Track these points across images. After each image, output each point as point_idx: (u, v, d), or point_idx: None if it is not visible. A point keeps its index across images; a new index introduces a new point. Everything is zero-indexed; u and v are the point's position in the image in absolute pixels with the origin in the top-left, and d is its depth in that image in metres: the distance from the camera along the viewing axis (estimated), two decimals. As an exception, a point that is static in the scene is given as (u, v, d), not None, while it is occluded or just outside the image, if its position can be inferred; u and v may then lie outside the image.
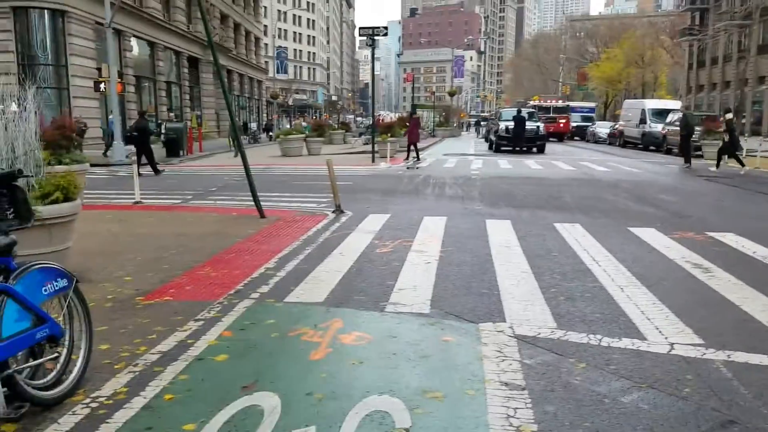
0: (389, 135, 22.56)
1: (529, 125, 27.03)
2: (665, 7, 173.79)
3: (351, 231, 7.87)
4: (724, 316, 4.47)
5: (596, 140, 42.31)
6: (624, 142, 34.58)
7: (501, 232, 7.70)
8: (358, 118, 66.29)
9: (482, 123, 52.94)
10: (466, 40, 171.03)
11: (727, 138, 17.60)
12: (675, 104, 34.48)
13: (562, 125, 42.95)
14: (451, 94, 63.26)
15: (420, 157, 21.22)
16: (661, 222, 8.45)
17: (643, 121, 31.77)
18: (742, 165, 17.09)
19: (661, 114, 31.25)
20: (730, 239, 7.21)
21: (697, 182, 14.62)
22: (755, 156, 20.69)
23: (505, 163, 20.30)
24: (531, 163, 20.14)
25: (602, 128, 43.78)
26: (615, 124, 41.41)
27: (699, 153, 24.92)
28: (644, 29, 72.89)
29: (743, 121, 44.48)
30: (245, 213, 9.22)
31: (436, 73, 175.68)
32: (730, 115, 18.31)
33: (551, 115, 42.32)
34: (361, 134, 39.47)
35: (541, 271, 5.72)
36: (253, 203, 8.92)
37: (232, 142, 25.11)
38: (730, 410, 2.99)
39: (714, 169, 17.42)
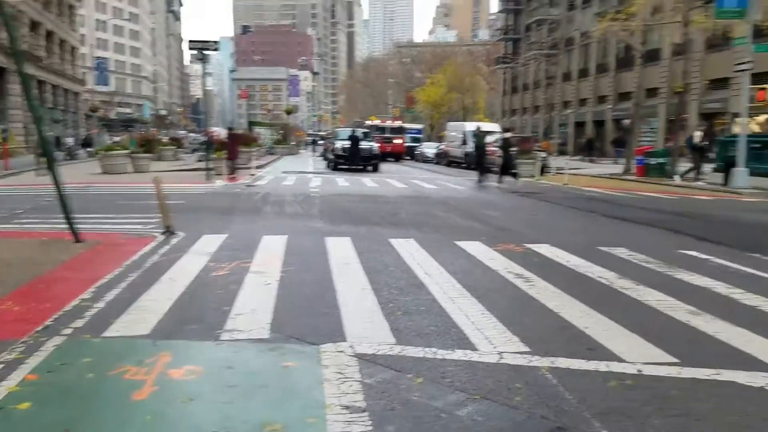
0: (225, 152, 21.83)
1: (364, 145, 27.76)
2: (481, 37, 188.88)
3: (183, 253, 7.40)
4: (546, 323, 4.77)
5: (424, 160, 44.42)
6: (449, 161, 36.65)
7: (341, 249, 7.68)
8: (191, 134, 63.53)
9: (319, 142, 53.32)
10: (299, 60, 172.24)
11: (502, 155, 19.35)
12: (493, 126, 37.21)
13: (398, 145, 43.71)
14: (288, 112, 63.10)
15: (235, 176, 20.65)
16: (486, 236, 8.94)
17: (464, 142, 33.91)
18: (516, 177, 18.78)
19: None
20: (546, 250, 7.80)
21: (514, 198, 15.79)
22: (563, 173, 22.79)
23: (342, 181, 20.52)
24: (367, 181, 20.56)
25: (429, 149, 46.10)
26: (440, 145, 43.88)
27: (514, 171, 27.11)
28: (464, 57, 78.41)
29: (556, 141, 49.26)
30: (58, 237, 8.32)
31: (272, 91, 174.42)
32: (508, 134, 20.61)
33: (387, 135, 42.43)
34: (194, 150, 37.89)
35: (379, 287, 5.76)
36: (67, 226, 8.08)
37: (39, 158, 22.78)
38: (558, 417, 3.15)
39: (498, 184, 19.22)
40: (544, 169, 25.88)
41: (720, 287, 5.84)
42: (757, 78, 27.42)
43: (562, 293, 5.58)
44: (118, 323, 4.70)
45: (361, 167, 27.70)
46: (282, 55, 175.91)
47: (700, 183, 20.67)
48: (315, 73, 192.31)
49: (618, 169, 28.56)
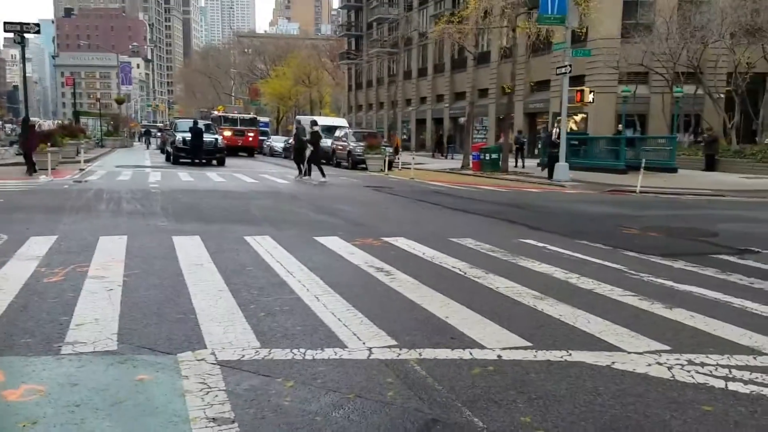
0: (49, 144, 19.83)
1: (208, 137, 26.66)
2: (324, 31, 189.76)
3: (7, 259, 6.58)
4: (410, 315, 4.84)
5: (272, 153, 43.80)
6: (297, 155, 36.54)
7: (191, 249, 7.27)
8: (7, 125, 57.01)
9: (156, 133, 50.35)
10: (131, 47, 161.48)
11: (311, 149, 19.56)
12: (341, 121, 37.58)
13: (251, 138, 40.09)
14: (119, 102, 58.87)
15: (36, 169, 18.35)
16: (342, 230, 8.96)
17: (314, 135, 33.93)
18: (323, 175, 18.87)
19: (329, 130, 33.76)
20: (402, 243, 7.97)
21: (366, 192, 16.04)
22: (409, 168, 23.55)
23: (186, 175, 19.55)
24: (213, 176, 19.80)
25: (278, 142, 45.56)
26: (289, 139, 43.45)
27: (363, 166, 27.62)
28: (308, 51, 78.25)
29: (400, 137, 50.74)
30: None
31: (100, 79, 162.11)
32: (316, 128, 21.30)
33: (239, 127, 39.56)
34: (12, 143, 34.14)
35: (238, 288, 5.51)
36: None
37: None
38: (431, 408, 3.19)
39: (301, 176, 19.52)
40: (391, 164, 26.59)
41: (558, 272, 6.32)
42: (574, 80, 30.32)
43: (422, 285, 5.71)
44: (-71, 341, 4.06)
45: (205, 161, 26.64)
46: (111, 40, 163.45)
47: (530, 176, 22.35)
48: (148, 61, 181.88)
49: (456, 164, 30.13)
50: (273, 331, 4.39)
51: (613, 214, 12.02)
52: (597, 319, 4.68)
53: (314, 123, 27.37)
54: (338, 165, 30.59)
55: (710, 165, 25.13)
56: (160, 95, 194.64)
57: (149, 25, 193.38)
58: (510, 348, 4.05)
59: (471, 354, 3.93)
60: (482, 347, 4.05)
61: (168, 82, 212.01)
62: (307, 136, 20.41)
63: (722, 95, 29.26)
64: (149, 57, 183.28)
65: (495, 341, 4.16)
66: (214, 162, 26.78)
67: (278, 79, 63.16)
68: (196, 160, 26.02)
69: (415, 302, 5.13)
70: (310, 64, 64.61)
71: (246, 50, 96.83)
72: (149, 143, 45.60)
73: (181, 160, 26.23)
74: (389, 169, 26.00)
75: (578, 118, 33.09)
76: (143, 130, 57.72)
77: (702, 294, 5.52)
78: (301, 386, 3.46)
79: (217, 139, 27.09)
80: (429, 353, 3.94)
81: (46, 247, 7.21)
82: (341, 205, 12.61)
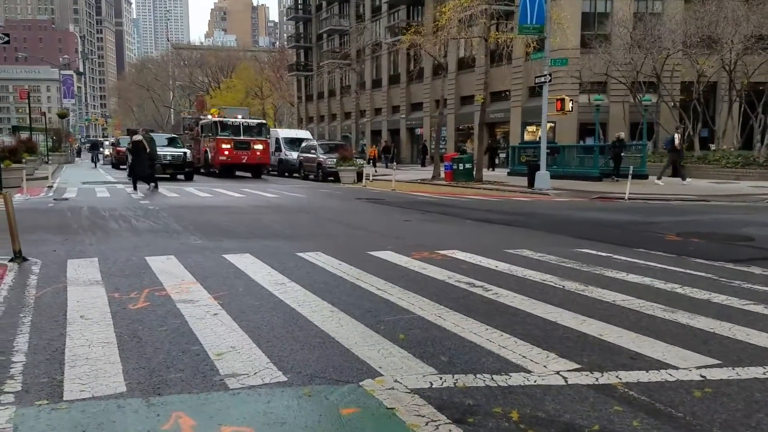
0: (12, 161, 18.64)
1: (175, 151, 25.77)
2: (262, 43, 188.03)
3: (63, 284, 6.01)
4: (559, 333, 4.62)
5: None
6: (259, 169, 35.74)
7: (254, 267, 6.85)
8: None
9: (105, 149, 48.35)
10: (62, 59, 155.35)
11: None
12: (305, 134, 37.08)
13: (259, 153, 28.80)
14: (62, 116, 56.35)
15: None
16: (390, 244, 8.61)
17: (278, 149, 33.32)
18: (135, 188, 18.39)
19: (293, 142, 33.32)
20: (462, 255, 7.72)
21: (364, 205, 15.75)
22: (384, 179, 23.34)
23: (167, 191, 18.72)
24: (195, 191, 19.07)
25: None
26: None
27: (332, 178, 27.33)
28: (250, 63, 77.12)
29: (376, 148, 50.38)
30: None
31: (33, 93, 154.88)
32: (137, 137, 20.62)
33: (243, 137, 28.41)
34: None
35: (347, 307, 5.18)
36: None
37: None
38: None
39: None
40: (360, 176, 26.34)
41: (656, 282, 6.22)
42: (535, 90, 30.97)
43: (535, 300, 5.49)
44: (70, 382, 3.58)
45: (168, 176, 25.69)
46: (40, 53, 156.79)
47: (507, 185, 22.51)
48: (80, 74, 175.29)
49: (426, 174, 30.17)
50: (430, 353, 4.09)
51: (629, 221, 12.14)
52: (750, 330, 4.58)
53: (133, 132, 23.83)
54: (306, 177, 30.16)
55: (675, 171, 26.02)
56: (93, 109, 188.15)
57: (80, 37, 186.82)
58: (704, 367, 3.82)
59: (671, 375, 3.68)
60: (674, 367, 3.82)
61: (101, 96, 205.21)
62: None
63: (677, 104, 30.40)
64: (81, 70, 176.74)
65: (680, 359, 3.95)
66: (182, 177, 25.87)
67: (229, 92, 61.94)
68: (163, 175, 25.05)
69: (553, 321, 4.91)
70: (263, 75, 63.62)
71: (183, 62, 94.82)
72: (97, 159, 43.36)
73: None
74: (359, 180, 25.76)
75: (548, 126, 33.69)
76: (89, 144, 55.19)
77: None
78: (530, 418, 3.19)
79: (185, 153, 26.18)
80: (625, 376, 3.69)
81: (96, 271, 6.64)
82: (356, 219, 12.29)
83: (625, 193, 17.57)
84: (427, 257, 7.56)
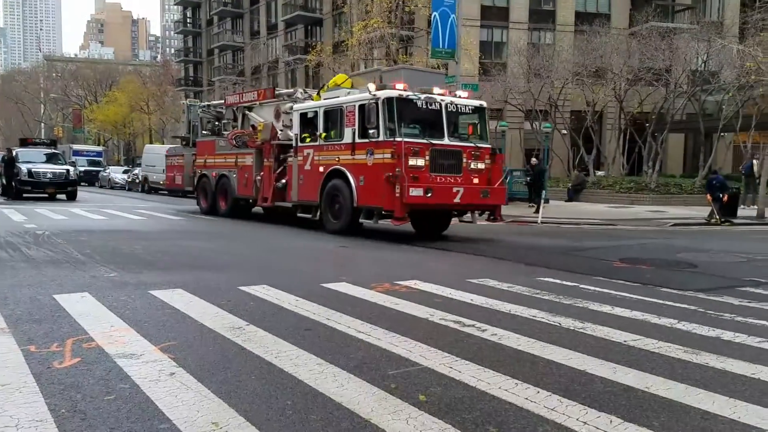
0: None
1: (56, 168, 23.33)
2: (142, 57, 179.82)
3: (-46, 336, 4.66)
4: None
5: (112, 186, 39.87)
6: (150, 188, 33.48)
7: (197, 307, 5.73)
8: None
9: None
10: None
11: None
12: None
13: (479, 180, 13.07)
14: None
15: None
16: (341, 273, 7.79)
17: (172, 166, 31.30)
18: None
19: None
20: (423, 287, 7.04)
21: (258, 227, 14.73)
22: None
23: (48, 212, 16.65)
24: (82, 212, 17.09)
25: (118, 173, 41.66)
26: (133, 169, 39.90)
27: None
28: (132, 76, 72.94)
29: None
30: None
31: None
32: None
33: (449, 145, 12.29)
34: None
35: (337, 358, 4.29)
36: None
37: None
38: None
39: None
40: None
41: (644, 315, 5.84)
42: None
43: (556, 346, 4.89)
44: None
45: (46, 196, 23.22)
46: None
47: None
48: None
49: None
50: (472, 422, 3.31)
51: (563, 246, 12.00)
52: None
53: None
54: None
55: (571, 196, 26.99)
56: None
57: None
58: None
59: None
60: (759, 428, 3.25)
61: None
62: None
63: (570, 131, 31.76)
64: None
65: (759, 419, 3.34)
66: (64, 196, 23.43)
67: (110, 105, 58.06)
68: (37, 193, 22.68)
69: (581, 370, 4.28)
70: (148, 90, 60.23)
71: (57, 74, 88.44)
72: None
73: (25, 195, 22.62)
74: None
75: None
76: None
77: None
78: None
79: (68, 171, 23.73)
80: None
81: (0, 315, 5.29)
82: (286, 242, 11.27)
83: (537, 217, 17.73)
84: (390, 289, 6.78)
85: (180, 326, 5.14)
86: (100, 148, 50.65)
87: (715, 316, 5.90)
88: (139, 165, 37.88)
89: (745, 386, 3.94)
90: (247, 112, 16.50)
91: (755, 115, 26.79)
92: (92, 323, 5.08)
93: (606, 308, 6.13)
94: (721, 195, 17.87)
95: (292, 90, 16.68)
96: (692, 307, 6.26)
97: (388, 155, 11.20)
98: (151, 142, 49.80)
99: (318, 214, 13.18)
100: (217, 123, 18.49)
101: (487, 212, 12.92)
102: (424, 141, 11.49)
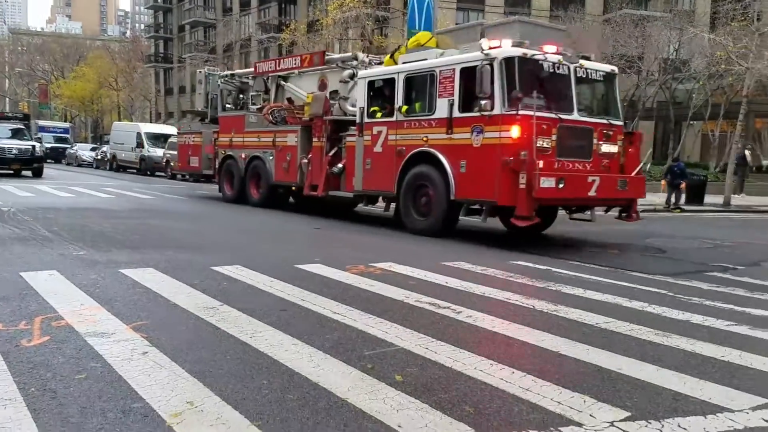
0: None
1: (22, 144, 22.72)
2: (111, 32, 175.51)
3: None
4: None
5: (79, 164, 39.04)
6: (118, 166, 32.90)
7: (169, 286, 5.65)
8: None
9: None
10: None
11: None
12: (171, 129, 34.50)
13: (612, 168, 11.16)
14: None
15: None
16: (316, 255, 7.74)
17: (140, 145, 30.80)
18: None
19: (158, 138, 30.94)
20: (398, 269, 7.04)
21: (233, 208, 14.58)
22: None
23: (14, 189, 16.23)
24: (49, 189, 16.70)
25: (86, 150, 40.82)
26: (101, 147, 39.14)
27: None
28: (99, 51, 71.07)
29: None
30: None
31: None
32: None
33: (580, 121, 9.94)
34: None
35: (313, 339, 4.27)
36: None
37: None
38: None
39: None
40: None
41: (621, 300, 5.93)
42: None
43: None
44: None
45: (11, 172, 22.63)
46: None
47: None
48: None
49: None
50: (447, 401, 3.33)
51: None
52: (751, 356, 4.29)
53: None
54: (173, 177, 28.14)
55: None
56: None
57: None
58: (758, 408, 3.34)
59: (734, 421, 3.14)
60: (729, 410, 3.28)
61: None
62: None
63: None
64: None
65: (728, 399, 3.38)
66: (28, 173, 22.87)
67: (78, 81, 56.61)
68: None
69: (555, 351, 4.33)
70: (118, 66, 58.85)
71: (21, 47, 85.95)
72: None
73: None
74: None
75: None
76: None
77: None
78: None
79: (34, 147, 23.12)
80: (686, 424, 3.10)
81: (-44, 292, 5.14)
82: (259, 225, 11.15)
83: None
84: (364, 271, 6.76)
85: (152, 305, 5.06)
86: (67, 125, 49.45)
87: (685, 300, 6.02)
88: (107, 143, 37.15)
89: (715, 368, 4.02)
90: (282, 82, 14.60)
91: (723, 104, 27.27)
92: (61, 301, 4.98)
93: (578, 291, 6.21)
94: (679, 182, 18.15)
95: (349, 54, 13.98)
96: (662, 291, 6.37)
97: (509, 133, 8.74)
98: (119, 120, 48.85)
99: (390, 207, 11.28)
100: (241, 96, 16.35)
101: (616, 207, 10.32)
102: (553, 116, 9.00)
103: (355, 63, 12.74)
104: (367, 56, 13.26)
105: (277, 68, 14.64)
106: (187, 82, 61.43)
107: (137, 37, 78.44)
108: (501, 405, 3.30)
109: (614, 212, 10.52)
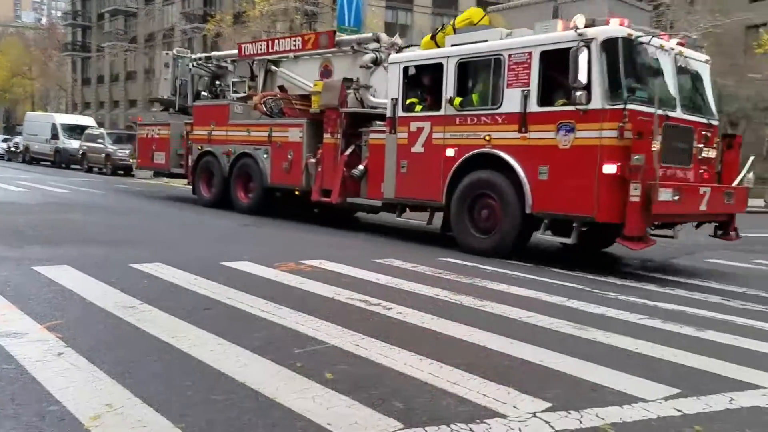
0: None
1: None
2: (26, 19, 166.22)
3: None
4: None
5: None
6: (31, 158, 31.32)
7: (85, 284, 5.41)
8: None
9: None
10: None
11: None
12: (88, 120, 33.06)
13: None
14: None
15: None
16: (243, 252, 7.60)
17: (55, 136, 29.41)
18: None
19: (74, 130, 29.65)
20: (329, 266, 7.01)
21: (156, 203, 14.17)
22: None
23: None
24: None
25: (-5, 141, 38.63)
26: (13, 138, 37.13)
27: (122, 172, 24.94)
28: (12, 39, 67.23)
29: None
30: None
31: None
32: None
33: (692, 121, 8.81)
34: None
35: (240, 338, 4.19)
36: None
37: None
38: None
39: None
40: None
41: (542, 294, 6.12)
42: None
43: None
44: None
45: None
46: None
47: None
48: None
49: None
50: (378, 398, 3.35)
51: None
52: (667, 349, 4.52)
53: None
54: (89, 170, 27.03)
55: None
56: None
57: None
58: (671, 398, 3.50)
59: (647, 410, 3.27)
60: (643, 399, 3.44)
61: None
62: None
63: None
64: None
65: (643, 390, 3.51)
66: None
67: (-10, 69, 53.35)
68: None
69: (481, 345, 4.43)
70: (32, 54, 55.70)
71: None
72: None
73: None
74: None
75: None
76: None
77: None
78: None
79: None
80: (604, 414, 3.20)
81: None
82: (183, 219, 10.83)
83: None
84: (295, 269, 6.70)
85: (67, 304, 4.83)
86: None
87: (601, 294, 6.29)
88: (20, 134, 35.24)
89: (630, 359, 4.22)
90: (273, 67, 12.75)
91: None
92: (-35, 302, 4.67)
93: (503, 287, 6.37)
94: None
95: (369, 35, 11.61)
96: (579, 286, 6.63)
97: (613, 133, 7.10)
98: (33, 110, 46.31)
99: (432, 219, 9.50)
100: (217, 82, 14.38)
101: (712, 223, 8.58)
102: (660, 112, 7.18)
103: (377, 45, 10.72)
104: (394, 37, 11.02)
105: (270, 51, 12.57)
106: (106, 72, 58.99)
107: (53, 25, 74.66)
108: (429, 399, 3.34)
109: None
